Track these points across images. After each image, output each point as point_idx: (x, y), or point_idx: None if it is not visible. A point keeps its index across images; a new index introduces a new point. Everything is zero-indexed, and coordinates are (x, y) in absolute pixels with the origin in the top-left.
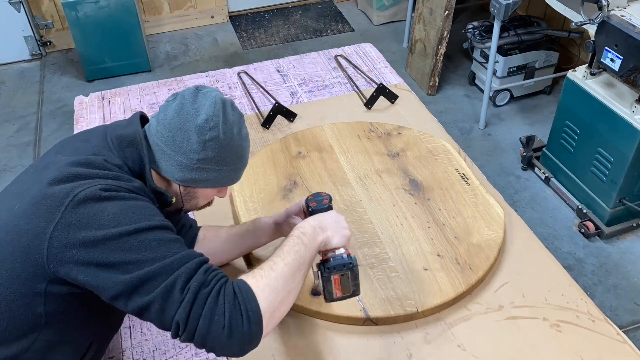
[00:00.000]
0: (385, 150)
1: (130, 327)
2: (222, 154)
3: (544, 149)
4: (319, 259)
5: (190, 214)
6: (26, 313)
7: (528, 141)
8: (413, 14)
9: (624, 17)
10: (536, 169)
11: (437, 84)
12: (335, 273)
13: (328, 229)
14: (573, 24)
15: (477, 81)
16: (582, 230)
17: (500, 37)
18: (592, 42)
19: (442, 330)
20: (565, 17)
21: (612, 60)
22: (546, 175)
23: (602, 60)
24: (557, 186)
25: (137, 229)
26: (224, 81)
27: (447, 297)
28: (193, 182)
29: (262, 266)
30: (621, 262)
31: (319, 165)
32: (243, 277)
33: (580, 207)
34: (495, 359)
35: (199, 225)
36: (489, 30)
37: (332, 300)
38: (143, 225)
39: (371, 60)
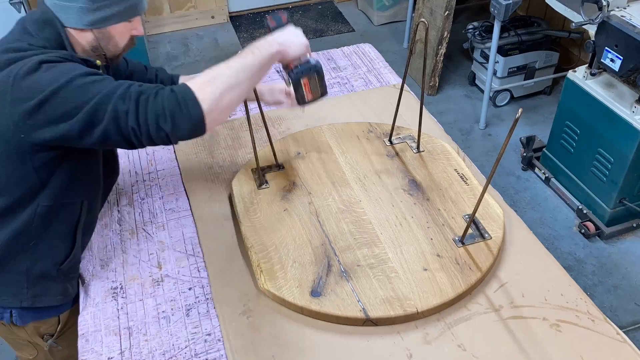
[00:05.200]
0: (384, 150)
1: (129, 328)
2: None
3: (544, 149)
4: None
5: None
6: (23, 184)
7: (528, 141)
8: (413, 14)
9: (624, 18)
10: (536, 169)
11: (437, 84)
12: (304, 76)
13: (284, 40)
14: (573, 24)
15: (477, 81)
16: (582, 231)
17: (500, 38)
18: (592, 42)
19: (442, 330)
20: (565, 18)
21: (612, 60)
22: (546, 175)
23: (602, 60)
24: (557, 186)
25: (67, 80)
26: None
27: (447, 297)
28: (101, 21)
29: (207, 71)
30: (621, 262)
31: (318, 166)
32: (181, 78)
33: (580, 207)
34: (495, 359)
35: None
36: (489, 30)
37: (305, 103)
38: (75, 74)
39: (370, 61)
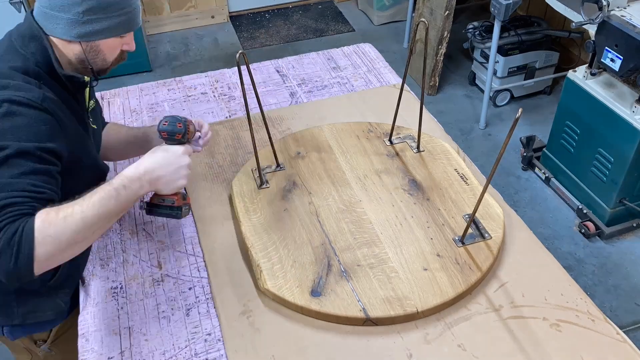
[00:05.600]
0: (384, 150)
1: (129, 328)
2: (103, 1)
3: (544, 149)
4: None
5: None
6: None
7: (528, 141)
8: (413, 14)
9: (624, 17)
10: (536, 169)
11: (437, 84)
12: (157, 216)
13: (159, 181)
14: (573, 24)
15: (477, 81)
16: (583, 231)
17: (500, 37)
18: (592, 42)
19: (442, 330)
20: (565, 17)
21: (612, 60)
22: (546, 175)
23: (602, 60)
24: (558, 186)
25: (5, 147)
26: (224, 81)
27: (447, 297)
28: (89, 35)
29: (63, 207)
30: (621, 262)
31: (318, 166)
32: (40, 213)
33: (580, 207)
34: (495, 359)
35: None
36: (489, 30)
37: (150, 214)
38: (13, 150)
39: (370, 61)
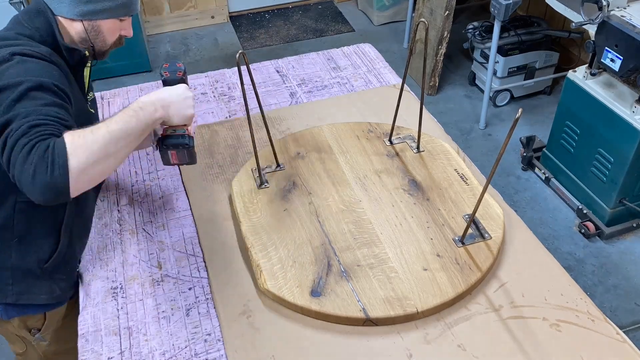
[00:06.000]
0: (384, 150)
1: (129, 328)
2: None
3: (544, 149)
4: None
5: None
6: None
7: (528, 141)
8: (413, 14)
9: (624, 18)
10: (536, 169)
11: (437, 84)
12: (172, 149)
13: (170, 107)
14: (573, 24)
15: (477, 81)
16: (582, 231)
17: (500, 38)
18: (592, 42)
19: (442, 330)
20: (565, 17)
21: (612, 60)
22: (546, 175)
23: (602, 60)
24: (557, 186)
25: (21, 82)
26: (224, 81)
27: (447, 297)
28: (91, 14)
29: (87, 128)
30: (621, 262)
31: (318, 166)
32: (67, 133)
33: (580, 207)
34: (495, 359)
35: None
36: (489, 30)
37: (169, 164)
38: (31, 83)
39: (370, 61)
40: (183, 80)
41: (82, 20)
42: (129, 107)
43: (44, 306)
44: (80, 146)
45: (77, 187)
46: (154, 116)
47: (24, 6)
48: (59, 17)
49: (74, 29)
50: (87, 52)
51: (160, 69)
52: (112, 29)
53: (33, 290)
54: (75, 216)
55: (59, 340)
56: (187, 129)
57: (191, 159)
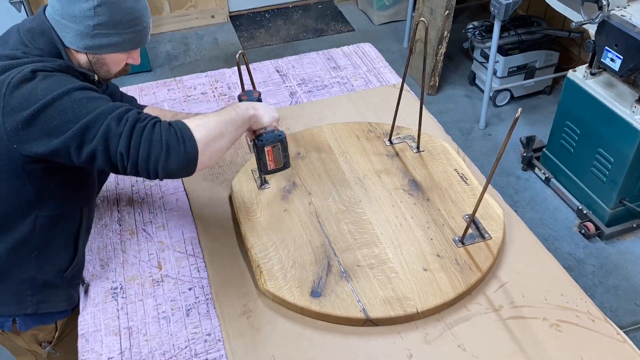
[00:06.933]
0: (384, 150)
1: (129, 328)
2: (115, 17)
3: (544, 149)
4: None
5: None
6: (18, 195)
7: (528, 141)
8: (413, 14)
9: (624, 17)
10: (536, 170)
11: (437, 84)
12: (268, 144)
13: (259, 108)
14: (573, 23)
15: (477, 81)
16: (582, 231)
17: (500, 37)
18: (592, 42)
19: (442, 330)
20: (565, 17)
21: (612, 60)
22: (546, 175)
23: (602, 60)
24: (557, 187)
25: (65, 91)
26: (224, 81)
27: (447, 297)
28: (97, 48)
29: (198, 117)
30: (621, 262)
31: (318, 166)
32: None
33: (580, 207)
34: (495, 359)
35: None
36: (489, 30)
37: (267, 172)
38: (70, 87)
39: (370, 60)
40: (260, 101)
41: (86, 53)
42: (224, 107)
43: (61, 313)
44: (198, 125)
45: (202, 160)
46: (247, 113)
47: (24, 6)
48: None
49: (76, 58)
50: (96, 77)
51: (239, 96)
52: (117, 61)
53: (53, 298)
54: (88, 221)
55: (69, 351)
56: (276, 125)
57: (286, 159)
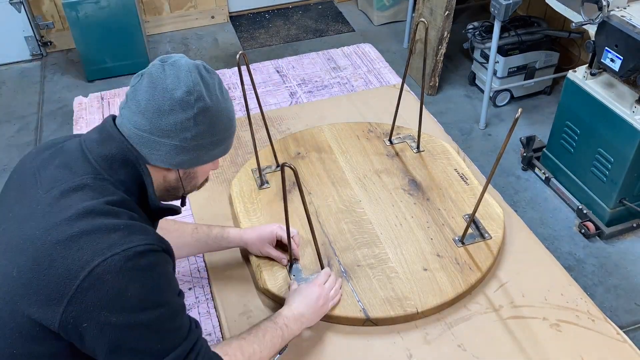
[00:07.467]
0: (384, 150)
1: None
2: (214, 122)
3: (544, 149)
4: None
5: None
6: None
7: (528, 141)
8: (413, 14)
9: (624, 18)
10: (536, 170)
11: (437, 84)
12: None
13: (308, 317)
14: (573, 24)
15: (477, 81)
16: (582, 231)
17: (500, 38)
18: (592, 42)
19: (442, 330)
20: (565, 18)
21: (612, 60)
22: (546, 175)
23: (602, 60)
24: (557, 186)
25: (156, 317)
26: (224, 81)
27: (447, 297)
28: (192, 162)
29: (244, 345)
30: (621, 262)
31: (318, 166)
32: (226, 351)
33: (580, 207)
34: (495, 359)
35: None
36: (489, 30)
37: None
38: (161, 311)
39: (370, 61)
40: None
41: (177, 169)
42: (274, 323)
43: None
44: None
45: None
46: (294, 334)
47: (24, 6)
48: (149, 166)
49: (163, 177)
50: (180, 209)
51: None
52: (206, 171)
53: None
54: None
55: None
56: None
57: None
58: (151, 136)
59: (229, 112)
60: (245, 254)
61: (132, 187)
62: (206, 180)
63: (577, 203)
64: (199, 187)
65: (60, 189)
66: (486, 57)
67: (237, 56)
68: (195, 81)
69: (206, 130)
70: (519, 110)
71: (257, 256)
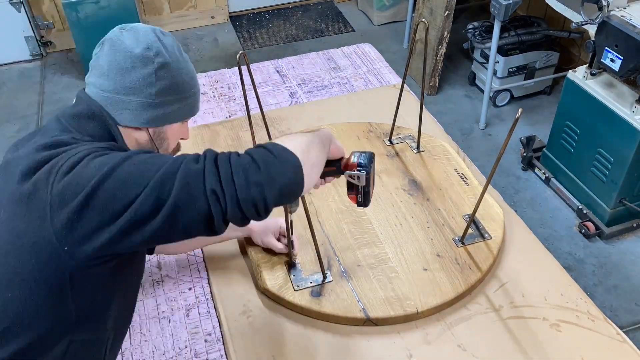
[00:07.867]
0: (384, 150)
1: (129, 329)
2: (176, 78)
3: (544, 149)
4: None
5: None
6: (55, 318)
7: (528, 141)
8: (413, 14)
9: (624, 18)
10: (536, 170)
11: (437, 84)
12: (371, 168)
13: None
14: (573, 24)
15: (477, 81)
16: (582, 231)
17: (500, 38)
18: (592, 42)
19: (442, 330)
20: (565, 18)
21: (612, 60)
22: (546, 175)
23: (602, 60)
24: (557, 186)
25: (124, 157)
26: (224, 81)
27: (447, 297)
28: (160, 119)
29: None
30: (621, 262)
31: None
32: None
33: (580, 207)
34: (495, 359)
35: None
36: (489, 30)
37: (369, 200)
38: (130, 152)
39: (370, 61)
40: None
41: (147, 128)
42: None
43: None
44: (283, 140)
45: (305, 171)
46: (327, 132)
47: (24, 6)
48: (120, 127)
49: (134, 139)
50: None
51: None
52: (175, 135)
53: None
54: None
55: None
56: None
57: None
58: (117, 95)
59: (190, 72)
60: (244, 250)
61: (102, 140)
62: (178, 148)
63: (577, 203)
64: (172, 153)
65: (34, 147)
66: (486, 57)
67: (237, 56)
68: (153, 39)
69: (169, 86)
70: (519, 110)
71: (256, 255)
